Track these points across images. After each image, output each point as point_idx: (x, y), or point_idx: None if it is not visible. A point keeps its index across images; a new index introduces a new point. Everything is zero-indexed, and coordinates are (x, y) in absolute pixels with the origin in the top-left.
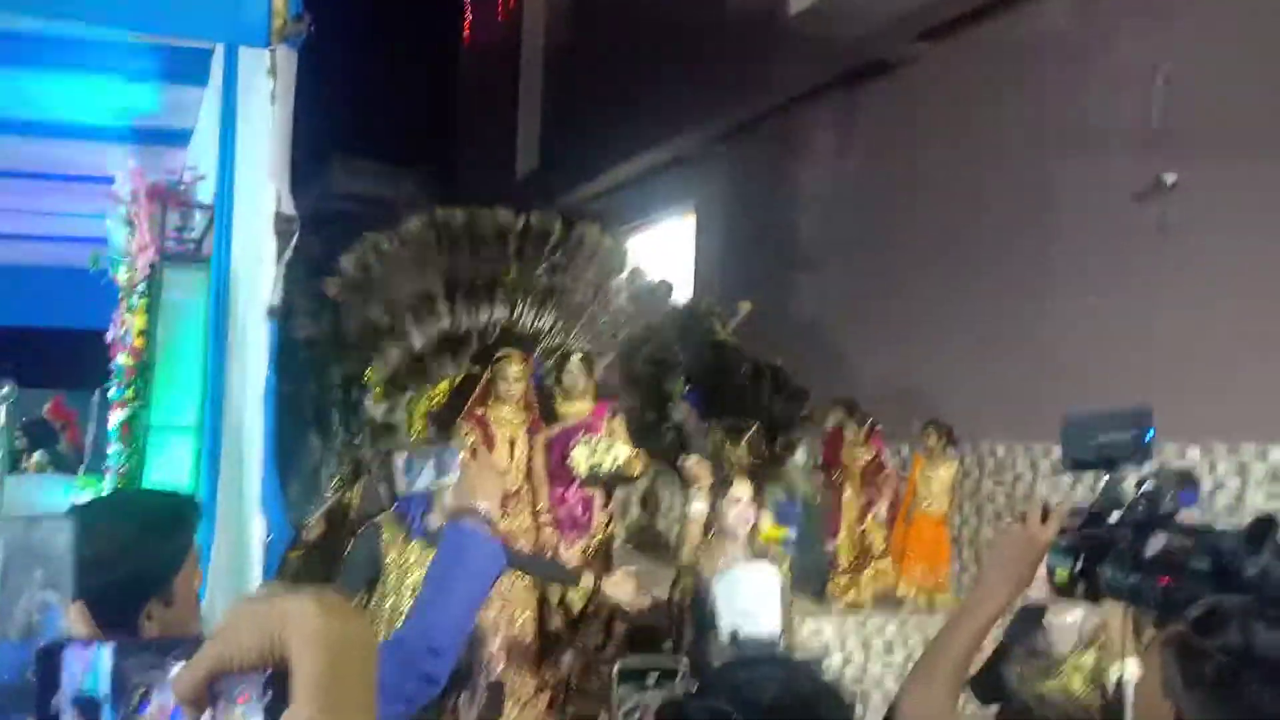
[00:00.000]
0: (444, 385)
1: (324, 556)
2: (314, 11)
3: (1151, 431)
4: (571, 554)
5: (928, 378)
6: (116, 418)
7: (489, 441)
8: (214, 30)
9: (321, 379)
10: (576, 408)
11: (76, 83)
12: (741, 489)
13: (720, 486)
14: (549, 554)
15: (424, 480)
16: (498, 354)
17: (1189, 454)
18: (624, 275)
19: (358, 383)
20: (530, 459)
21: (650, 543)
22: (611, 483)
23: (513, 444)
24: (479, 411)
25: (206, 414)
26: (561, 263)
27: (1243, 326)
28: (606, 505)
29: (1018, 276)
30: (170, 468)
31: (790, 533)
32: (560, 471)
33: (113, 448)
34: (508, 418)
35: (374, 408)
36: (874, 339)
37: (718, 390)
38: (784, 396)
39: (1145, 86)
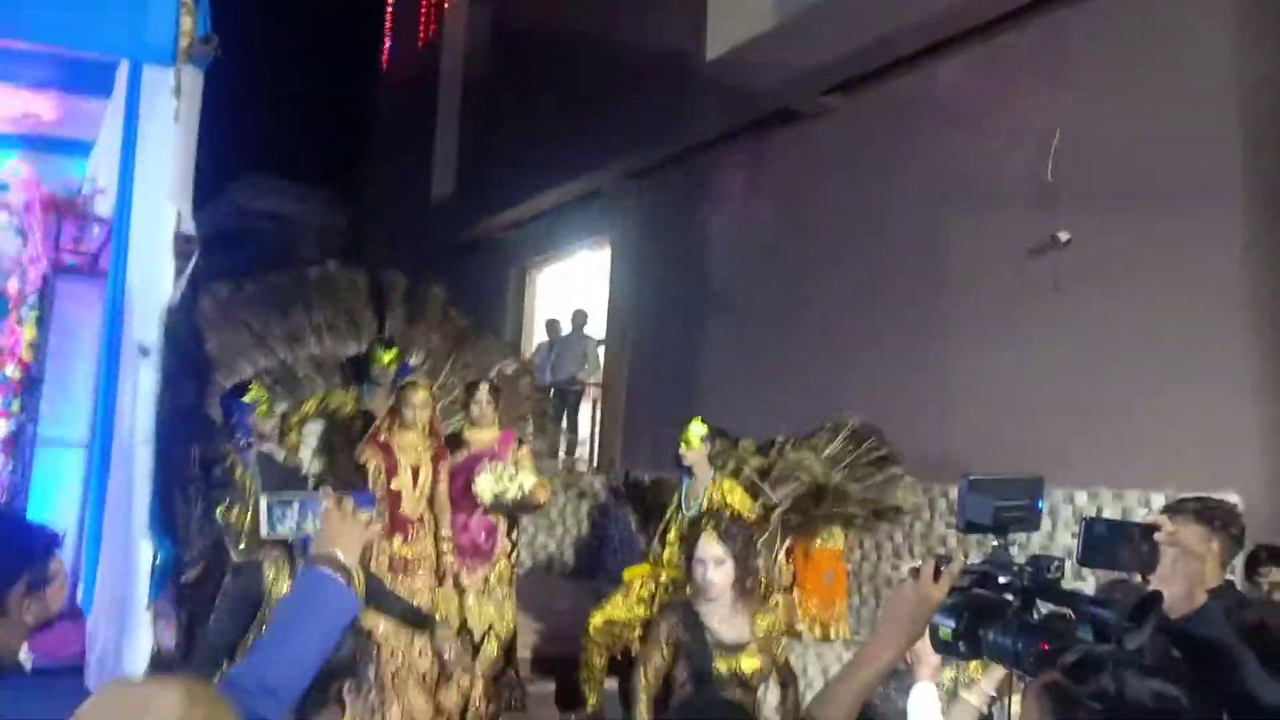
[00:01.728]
0: (316, 398)
1: (203, 595)
2: (232, 31)
3: (1042, 501)
4: (474, 579)
5: (828, 416)
6: (1, 430)
7: (392, 468)
8: (119, 46)
9: (194, 404)
10: (482, 435)
11: None
12: (709, 546)
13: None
14: (450, 580)
15: (287, 526)
16: (403, 381)
17: (1077, 499)
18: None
19: (237, 400)
20: (434, 486)
21: None
22: (516, 510)
23: (416, 471)
24: (382, 438)
25: (97, 431)
26: (412, 315)
27: (1132, 379)
28: (510, 533)
29: (917, 322)
30: (57, 483)
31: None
32: (464, 498)
33: None
34: (412, 444)
35: (261, 423)
36: (778, 376)
37: None
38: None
39: (1041, 145)
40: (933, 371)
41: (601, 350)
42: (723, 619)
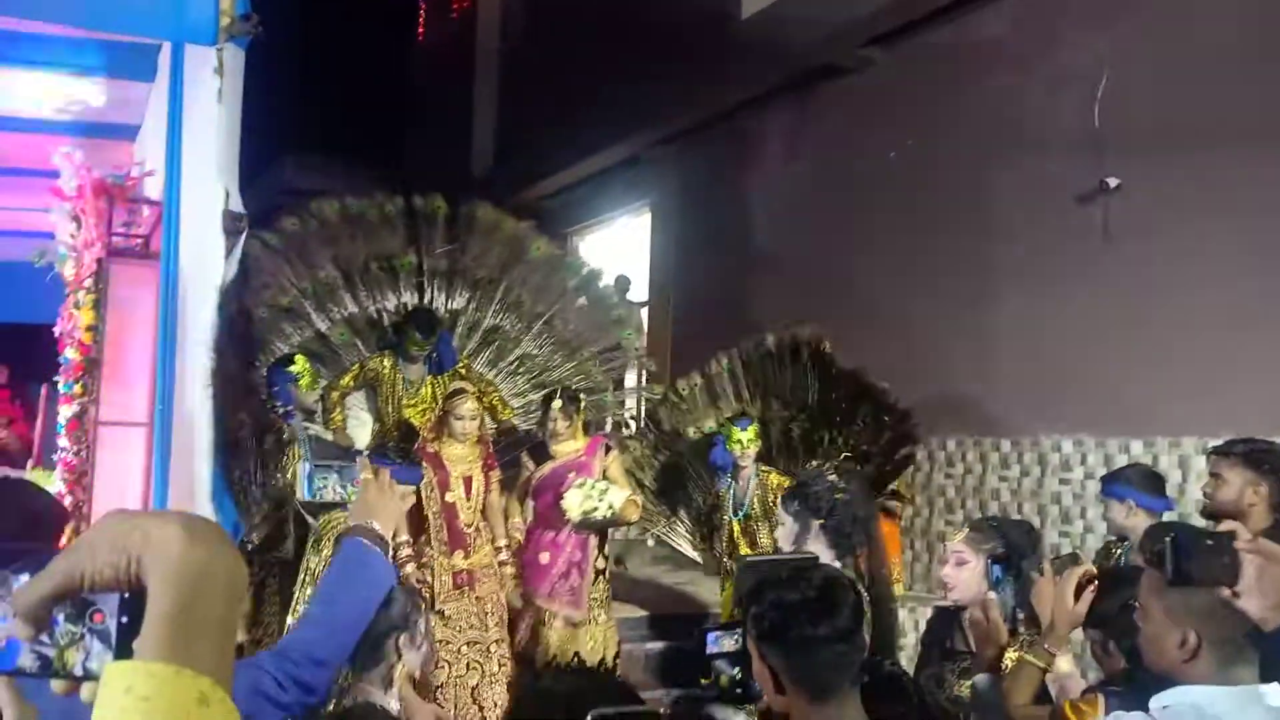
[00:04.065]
0: (353, 371)
1: (266, 560)
2: (267, 9)
3: None
4: (581, 611)
5: (879, 375)
6: (65, 412)
7: (444, 480)
8: (160, 28)
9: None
10: (567, 447)
11: (19, 76)
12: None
13: None
14: (504, 592)
15: (328, 494)
16: (450, 390)
17: (1132, 447)
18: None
19: (281, 371)
20: (486, 495)
21: None
22: (605, 527)
23: (469, 481)
24: (432, 449)
25: (157, 410)
26: (458, 245)
27: (1185, 325)
28: (602, 547)
29: (964, 274)
30: (120, 462)
31: None
32: (552, 513)
33: (62, 441)
34: (462, 455)
35: (304, 396)
36: (825, 337)
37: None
38: (891, 420)
39: (1088, 90)
40: (981, 323)
41: (644, 314)
42: None
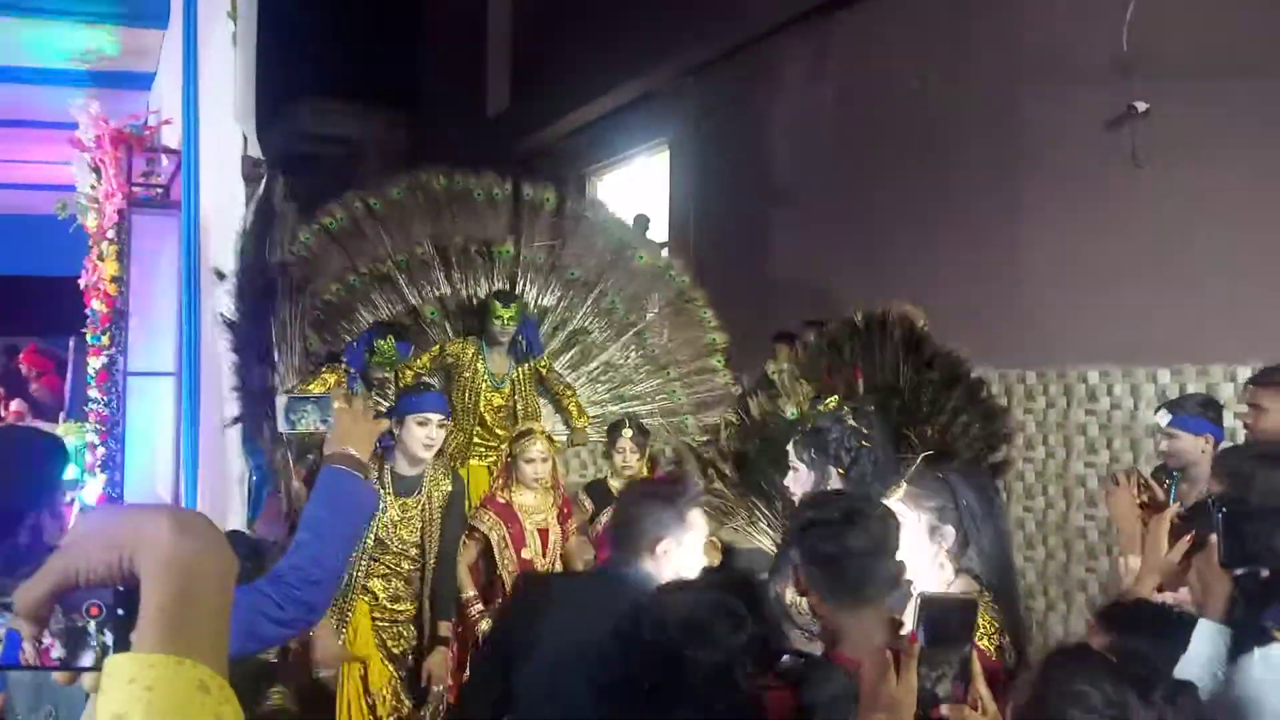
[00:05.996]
0: (432, 352)
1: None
2: None
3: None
4: None
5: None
6: (94, 364)
7: (518, 535)
8: None
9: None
10: None
11: (33, 27)
12: None
13: None
14: None
15: (305, 425)
16: (518, 431)
17: (1159, 377)
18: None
19: (368, 339)
20: (563, 546)
21: None
22: None
23: (544, 534)
24: (502, 499)
25: (184, 358)
26: (560, 241)
27: (1214, 252)
28: None
29: (991, 202)
30: (150, 412)
31: None
32: None
33: (92, 393)
34: (535, 505)
35: (371, 369)
36: (849, 271)
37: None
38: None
39: (1117, 13)
40: (1009, 252)
41: (664, 254)
42: None
